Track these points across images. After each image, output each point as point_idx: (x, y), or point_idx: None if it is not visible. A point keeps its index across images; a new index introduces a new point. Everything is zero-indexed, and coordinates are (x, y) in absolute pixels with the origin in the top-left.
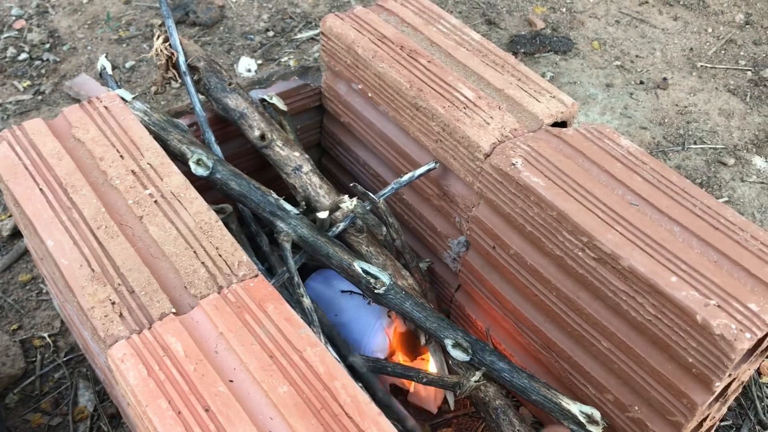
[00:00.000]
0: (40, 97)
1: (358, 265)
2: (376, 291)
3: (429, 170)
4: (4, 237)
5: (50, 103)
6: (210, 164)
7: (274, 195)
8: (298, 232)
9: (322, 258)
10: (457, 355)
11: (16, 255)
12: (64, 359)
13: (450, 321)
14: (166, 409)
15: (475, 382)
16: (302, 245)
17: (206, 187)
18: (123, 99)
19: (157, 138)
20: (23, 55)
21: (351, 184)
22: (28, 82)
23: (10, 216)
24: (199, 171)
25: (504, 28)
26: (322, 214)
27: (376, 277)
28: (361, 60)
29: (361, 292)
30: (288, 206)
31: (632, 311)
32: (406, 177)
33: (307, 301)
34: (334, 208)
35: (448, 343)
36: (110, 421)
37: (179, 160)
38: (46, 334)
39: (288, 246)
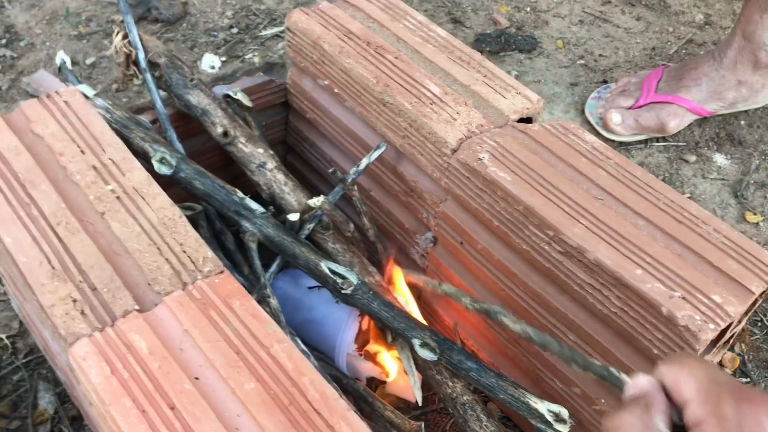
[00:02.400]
0: None
1: (325, 266)
2: (343, 291)
3: (381, 152)
4: None
5: (7, 100)
6: (174, 163)
7: (240, 194)
8: (264, 232)
9: (289, 258)
10: (425, 354)
11: None
12: (23, 361)
13: (417, 320)
14: (130, 407)
15: None
16: (268, 245)
17: (168, 184)
18: (84, 95)
19: (120, 136)
20: None
21: (330, 170)
22: None
23: None
24: (163, 170)
25: (469, 27)
26: (293, 216)
27: (343, 277)
28: (328, 56)
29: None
30: (254, 205)
31: (598, 304)
32: (363, 163)
33: (274, 302)
34: (306, 209)
35: (416, 342)
36: (71, 423)
37: (142, 158)
38: (4, 336)
39: (254, 246)
